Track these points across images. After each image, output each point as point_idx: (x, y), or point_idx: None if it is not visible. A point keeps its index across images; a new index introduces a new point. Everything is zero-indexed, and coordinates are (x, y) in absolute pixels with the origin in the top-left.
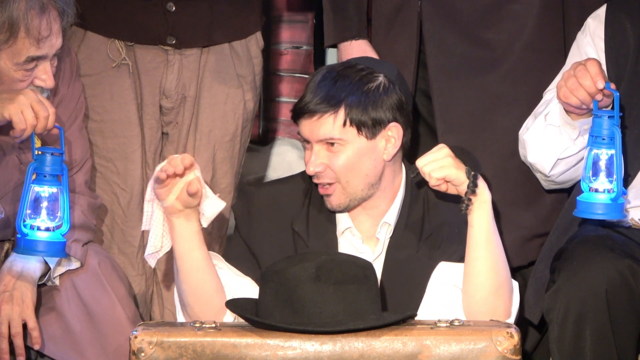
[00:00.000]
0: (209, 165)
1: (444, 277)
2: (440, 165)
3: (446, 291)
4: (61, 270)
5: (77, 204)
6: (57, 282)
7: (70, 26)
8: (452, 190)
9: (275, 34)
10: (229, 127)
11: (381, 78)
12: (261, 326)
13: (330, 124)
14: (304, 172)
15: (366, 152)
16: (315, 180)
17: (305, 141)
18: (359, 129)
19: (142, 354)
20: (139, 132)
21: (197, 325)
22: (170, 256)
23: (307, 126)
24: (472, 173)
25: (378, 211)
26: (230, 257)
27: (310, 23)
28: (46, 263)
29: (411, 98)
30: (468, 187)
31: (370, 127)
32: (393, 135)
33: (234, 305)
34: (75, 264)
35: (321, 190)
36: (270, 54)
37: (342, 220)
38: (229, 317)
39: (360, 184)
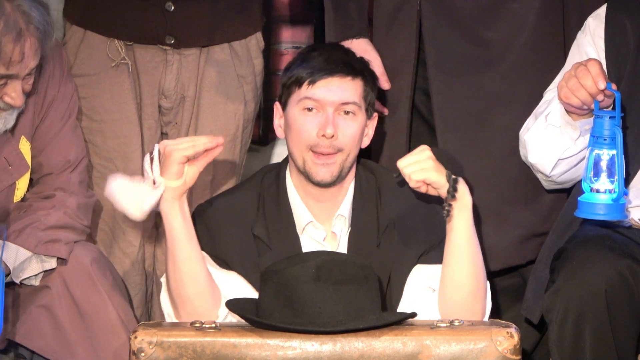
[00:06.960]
0: (209, 166)
1: (420, 279)
2: (422, 168)
3: (421, 294)
4: (34, 271)
5: (58, 207)
6: (34, 282)
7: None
8: (432, 192)
9: (276, 34)
10: (229, 127)
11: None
12: (261, 326)
13: (354, 89)
14: (250, 178)
15: (362, 131)
16: (317, 149)
17: (308, 109)
18: (367, 105)
19: (142, 354)
20: (138, 132)
21: (197, 325)
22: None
23: (331, 86)
24: (453, 177)
25: (332, 203)
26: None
27: (310, 23)
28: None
29: None
30: (448, 192)
31: (370, 109)
32: (372, 126)
33: (234, 305)
34: (49, 265)
35: (320, 159)
36: (270, 54)
37: (302, 215)
38: (224, 309)
39: (353, 159)
